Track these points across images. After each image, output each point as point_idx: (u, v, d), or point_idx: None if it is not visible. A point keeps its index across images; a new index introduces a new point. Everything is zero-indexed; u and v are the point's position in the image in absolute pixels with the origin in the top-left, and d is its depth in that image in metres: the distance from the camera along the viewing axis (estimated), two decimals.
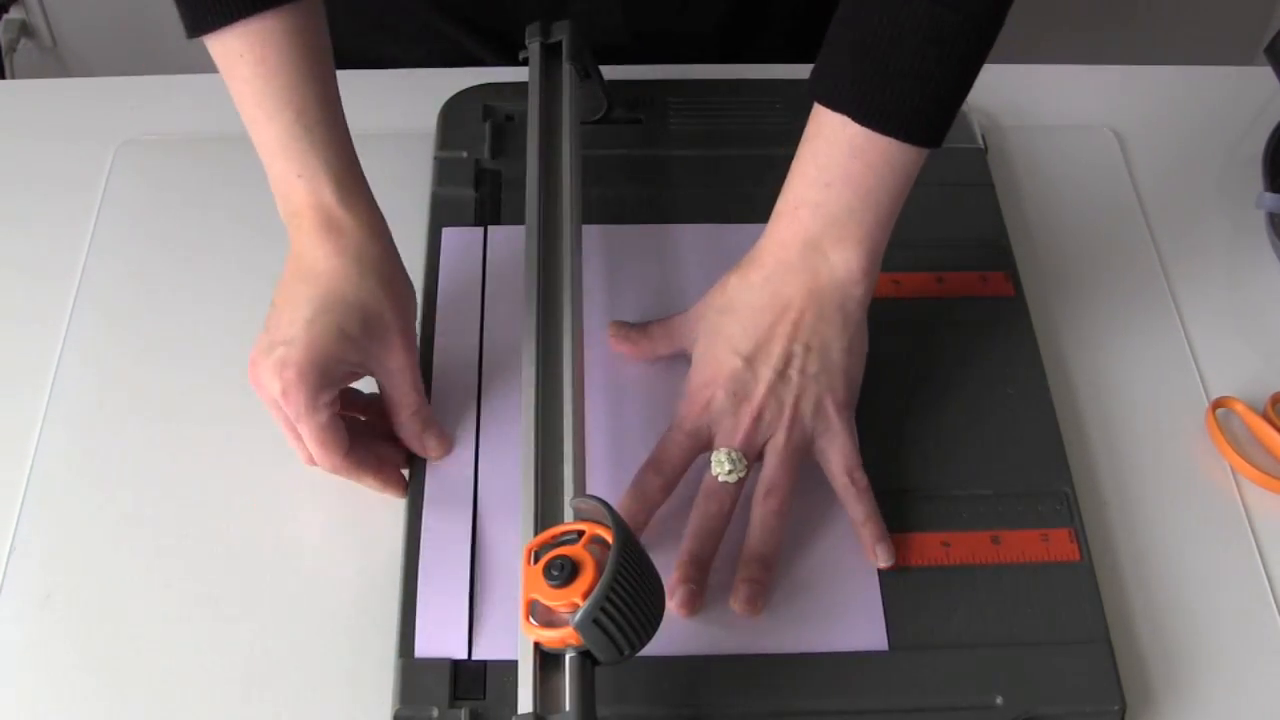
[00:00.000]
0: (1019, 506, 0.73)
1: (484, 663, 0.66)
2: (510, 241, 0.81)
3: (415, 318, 0.74)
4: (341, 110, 0.71)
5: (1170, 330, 0.83)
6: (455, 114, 0.90)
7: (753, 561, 0.68)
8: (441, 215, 0.84)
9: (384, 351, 0.71)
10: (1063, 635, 0.68)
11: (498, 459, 0.73)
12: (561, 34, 0.84)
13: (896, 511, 0.72)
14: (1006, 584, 0.70)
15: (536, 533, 0.64)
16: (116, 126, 0.91)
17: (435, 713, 0.64)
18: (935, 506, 0.73)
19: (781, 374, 0.71)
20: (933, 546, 0.71)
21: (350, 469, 0.71)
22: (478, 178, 0.86)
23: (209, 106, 0.92)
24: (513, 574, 0.67)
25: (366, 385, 0.74)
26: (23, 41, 1.77)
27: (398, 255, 0.73)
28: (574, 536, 0.61)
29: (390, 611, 0.68)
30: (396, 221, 0.85)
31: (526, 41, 0.85)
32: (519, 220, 0.79)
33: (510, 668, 0.62)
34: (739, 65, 0.96)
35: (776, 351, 0.71)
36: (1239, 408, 0.78)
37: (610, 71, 0.90)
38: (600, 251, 0.84)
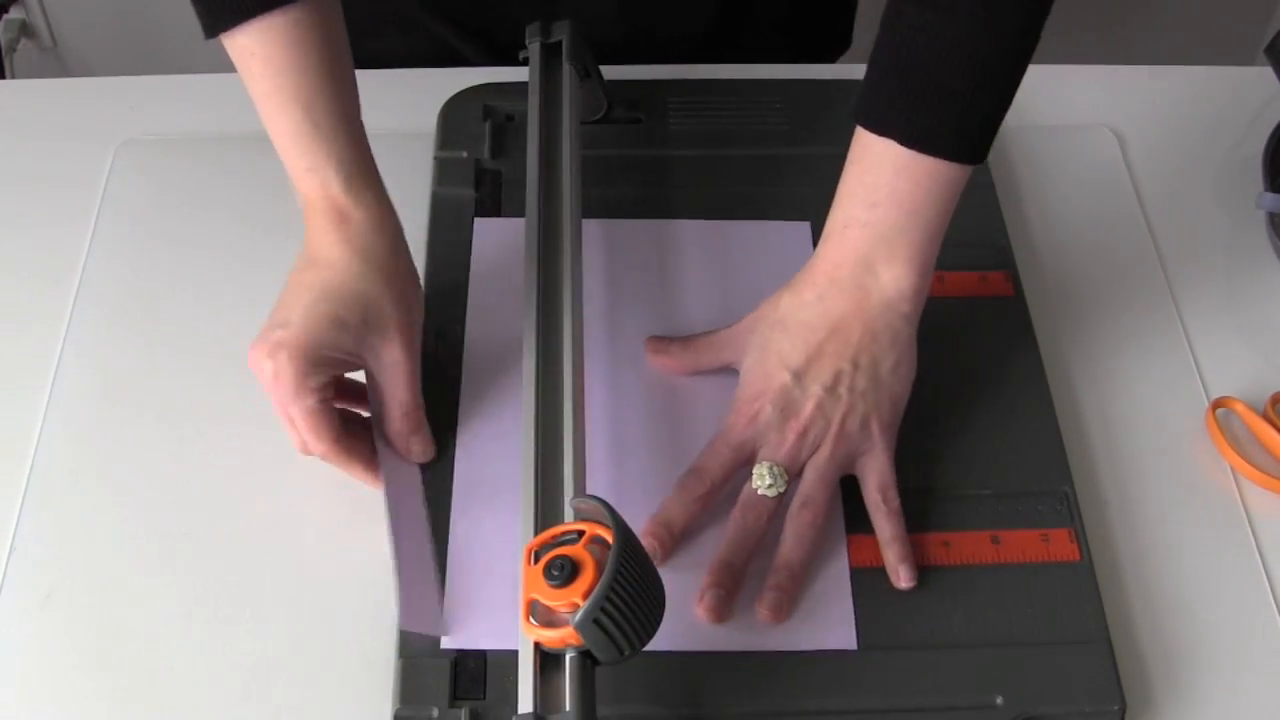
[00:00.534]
0: (1019, 506, 0.73)
1: (484, 662, 0.66)
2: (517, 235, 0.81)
3: (420, 315, 0.74)
4: (356, 105, 0.72)
5: (1170, 330, 0.83)
6: (455, 114, 0.90)
7: (782, 570, 0.69)
8: (442, 215, 0.84)
9: (381, 344, 0.71)
10: (1063, 635, 0.68)
11: (501, 457, 0.73)
12: (561, 34, 0.84)
13: None
14: (1006, 584, 0.70)
15: (536, 533, 0.64)
16: (116, 126, 0.91)
17: (435, 713, 0.64)
18: (935, 506, 0.73)
19: (831, 391, 0.71)
20: (933, 546, 0.71)
21: (339, 456, 0.71)
22: (478, 178, 0.86)
23: (209, 106, 0.92)
24: (512, 570, 0.67)
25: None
26: (23, 41, 1.77)
27: (406, 251, 0.73)
28: (574, 536, 0.61)
29: (390, 611, 0.68)
30: None
31: (526, 41, 0.85)
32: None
33: (510, 667, 0.62)
34: (739, 65, 0.96)
35: (827, 368, 0.72)
36: (1239, 408, 0.78)
37: (610, 71, 0.90)
38: (600, 250, 0.84)
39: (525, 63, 0.85)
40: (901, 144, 0.70)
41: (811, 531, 0.70)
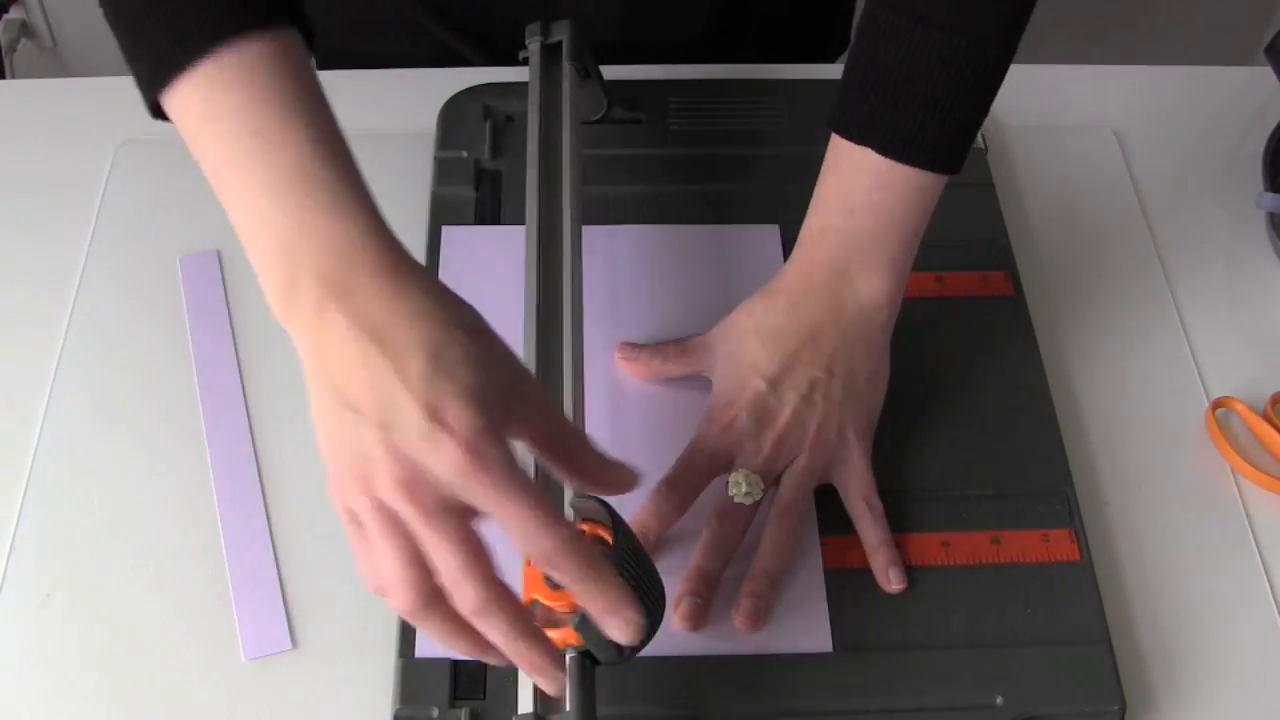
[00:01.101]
0: (1019, 506, 0.73)
1: (484, 663, 0.66)
2: (510, 241, 0.81)
3: None
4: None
5: (1170, 330, 0.83)
6: (455, 114, 0.90)
7: (760, 578, 0.69)
8: (441, 215, 0.84)
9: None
10: (1063, 635, 0.68)
11: None
12: (561, 34, 0.84)
13: (896, 511, 0.72)
14: (1006, 584, 0.70)
15: None
16: (116, 126, 0.91)
17: (435, 713, 0.64)
18: (935, 506, 0.73)
19: (806, 398, 0.71)
20: (932, 547, 0.71)
21: (585, 562, 0.53)
22: (478, 178, 0.86)
23: None
24: (513, 574, 0.67)
25: None
26: (23, 41, 1.77)
27: None
28: None
29: (390, 612, 0.68)
30: (397, 221, 0.85)
31: (526, 41, 0.85)
32: (519, 220, 0.79)
33: (510, 668, 0.62)
34: (739, 65, 0.96)
35: (802, 376, 0.71)
36: (1239, 408, 0.78)
37: (610, 71, 0.91)
38: (600, 252, 0.84)
39: (525, 63, 0.85)
40: (878, 153, 0.70)
41: (790, 539, 0.69)
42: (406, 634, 0.67)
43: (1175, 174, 0.92)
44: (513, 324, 0.75)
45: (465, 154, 0.87)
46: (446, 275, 0.81)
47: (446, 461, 0.50)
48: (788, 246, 0.83)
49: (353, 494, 0.53)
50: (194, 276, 0.83)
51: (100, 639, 0.68)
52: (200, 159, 0.56)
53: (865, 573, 0.70)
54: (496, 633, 0.54)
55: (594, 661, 0.58)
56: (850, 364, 0.72)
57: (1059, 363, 0.81)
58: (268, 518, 0.73)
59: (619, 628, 0.54)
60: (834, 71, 0.95)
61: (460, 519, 0.52)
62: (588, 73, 0.86)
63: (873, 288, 0.72)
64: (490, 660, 0.55)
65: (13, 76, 1.72)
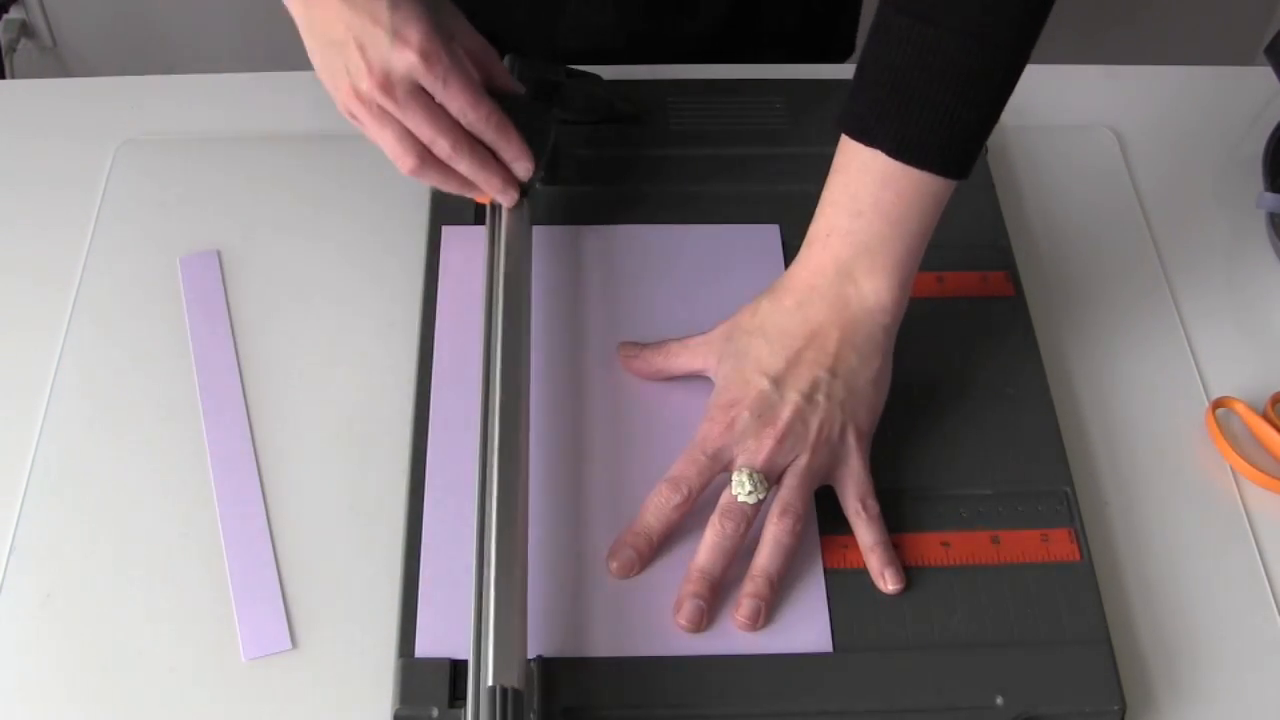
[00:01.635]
0: (1019, 506, 0.73)
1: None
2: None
3: None
4: None
5: (1170, 330, 0.83)
6: None
7: (760, 578, 0.69)
8: (442, 215, 0.84)
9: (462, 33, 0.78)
10: (1063, 635, 0.68)
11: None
12: (512, 68, 0.84)
13: (896, 511, 0.72)
14: (1006, 584, 0.70)
15: (488, 542, 0.66)
16: (116, 126, 0.91)
17: (435, 712, 0.64)
18: (935, 506, 0.73)
19: (809, 398, 0.71)
20: (932, 547, 0.71)
21: (501, 124, 0.76)
22: None
23: (209, 106, 0.92)
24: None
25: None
26: (23, 41, 1.77)
27: None
28: None
29: (390, 612, 0.68)
30: (396, 221, 0.86)
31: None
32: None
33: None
34: (739, 65, 0.96)
35: (805, 376, 0.71)
36: (1239, 408, 0.78)
37: (610, 71, 0.91)
38: (601, 252, 0.84)
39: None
40: (890, 156, 0.70)
41: (791, 539, 0.69)
42: (406, 634, 0.67)
43: (1175, 174, 0.92)
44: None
45: None
46: (447, 275, 0.81)
47: (406, 61, 0.73)
48: (787, 246, 0.83)
49: (348, 101, 0.75)
50: (194, 276, 0.83)
51: (100, 639, 0.68)
52: None
53: (866, 573, 0.70)
54: (467, 167, 0.77)
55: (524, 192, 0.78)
56: (853, 364, 0.72)
57: (1059, 363, 0.81)
58: (268, 518, 0.73)
59: (522, 168, 0.79)
60: (834, 71, 0.95)
61: (425, 99, 0.74)
62: (556, 85, 0.87)
63: (878, 290, 0.72)
64: (472, 194, 0.80)
65: (13, 76, 1.72)
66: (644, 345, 0.77)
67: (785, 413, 0.71)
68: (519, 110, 0.78)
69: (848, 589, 0.69)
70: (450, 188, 0.78)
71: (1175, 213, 0.90)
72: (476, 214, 0.84)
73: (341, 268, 0.83)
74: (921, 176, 0.70)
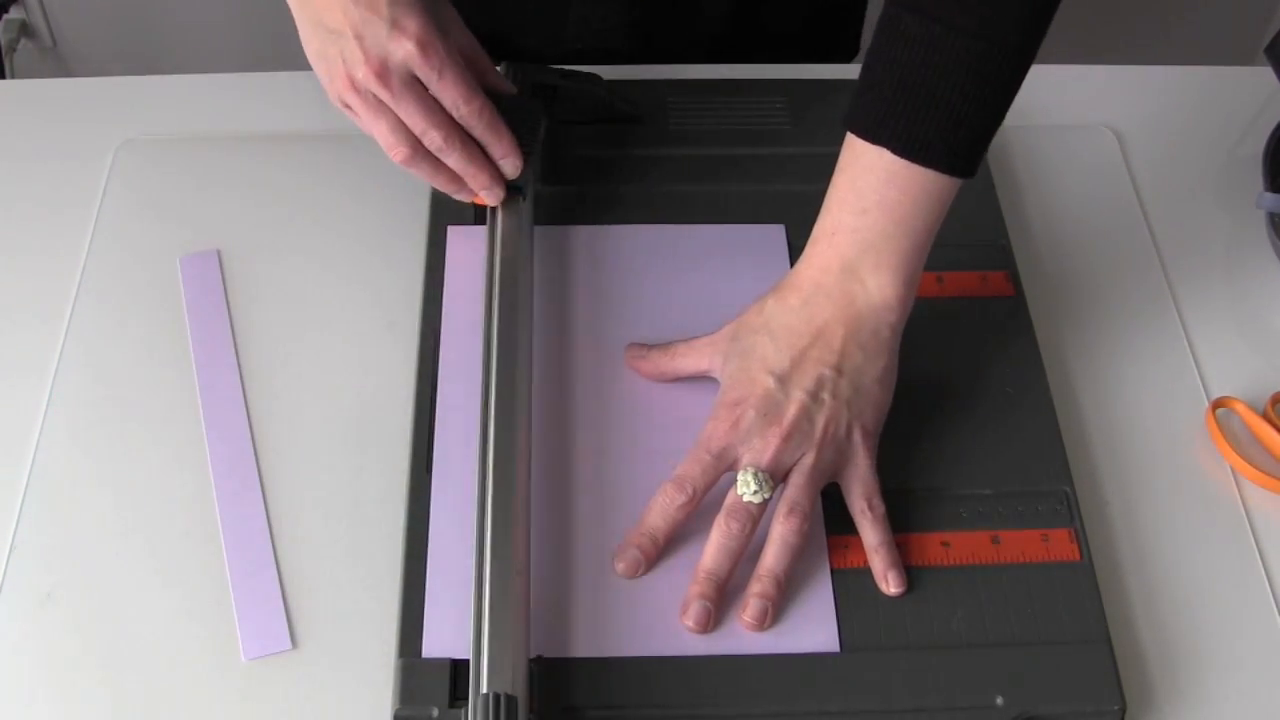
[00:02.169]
0: (1019, 506, 0.73)
1: None
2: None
3: None
4: None
5: (1170, 330, 0.83)
6: None
7: (766, 578, 0.68)
8: (442, 216, 0.84)
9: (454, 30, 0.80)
10: (1063, 635, 0.68)
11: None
12: (508, 74, 0.85)
13: (896, 511, 0.72)
14: (1006, 584, 0.70)
15: (488, 544, 0.66)
16: (116, 126, 0.91)
17: (435, 713, 0.64)
18: (935, 506, 0.73)
19: (814, 396, 0.71)
20: (932, 547, 0.71)
21: (492, 120, 0.77)
22: None
23: (209, 106, 0.92)
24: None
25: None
26: (23, 41, 1.77)
27: None
28: None
29: (390, 612, 0.68)
30: (396, 221, 0.86)
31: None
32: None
33: None
34: (739, 65, 0.96)
35: (810, 374, 0.71)
36: (1239, 408, 0.78)
37: (610, 71, 0.91)
38: (605, 253, 0.84)
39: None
40: (895, 154, 0.70)
41: (797, 539, 0.69)
42: (407, 634, 0.67)
43: (1175, 174, 0.92)
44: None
45: None
46: (451, 275, 0.81)
47: (404, 50, 0.73)
48: (793, 246, 0.83)
49: (343, 89, 0.75)
50: (194, 276, 0.83)
51: (100, 639, 0.68)
52: None
53: (869, 572, 0.70)
54: (456, 160, 0.77)
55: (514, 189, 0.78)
56: (859, 362, 0.72)
57: (1059, 363, 0.81)
58: (268, 518, 0.73)
59: (511, 165, 0.79)
60: (834, 71, 0.95)
61: (420, 90, 0.75)
62: (553, 89, 0.87)
63: (883, 288, 0.72)
64: (460, 194, 0.80)
65: (13, 76, 1.72)
66: (651, 346, 0.77)
67: (791, 411, 0.71)
68: (511, 109, 0.79)
69: (853, 589, 0.69)
70: (439, 183, 0.79)
71: (1175, 213, 0.90)
72: (476, 215, 0.84)
73: (341, 267, 0.83)
74: (926, 175, 0.70)
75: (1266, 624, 0.71)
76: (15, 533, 0.72)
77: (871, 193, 0.71)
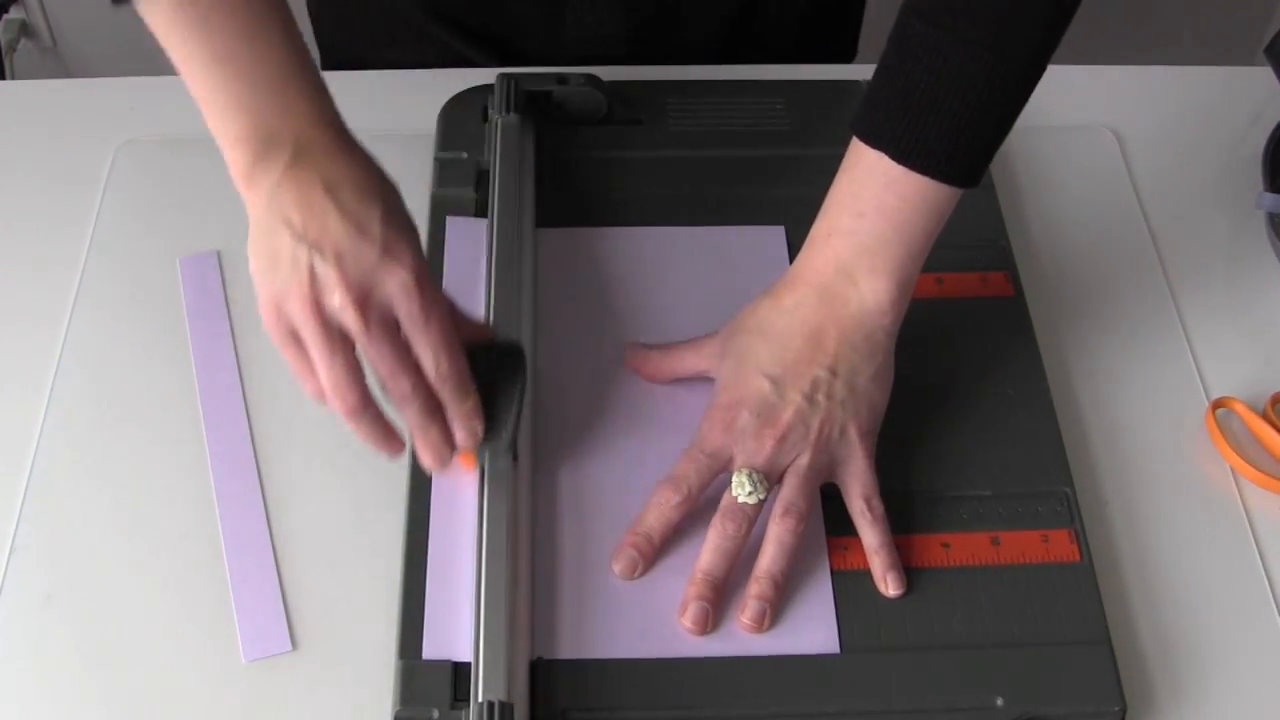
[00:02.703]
0: (1019, 507, 0.73)
1: None
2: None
3: None
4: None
5: (1170, 330, 0.83)
6: (455, 115, 0.90)
7: (764, 579, 0.69)
8: (442, 215, 0.84)
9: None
10: (1063, 635, 0.68)
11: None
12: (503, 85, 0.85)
13: (896, 513, 0.72)
14: (1007, 585, 0.70)
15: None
16: (116, 126, 0.91)
17: (436, 714, 0.64)
18: (935, 508, 0.73)
19: (809, 398, 0.71)
20: (932, 548, 0.71)
21: (464, 381, 0.67)
22: (478, 178, 0.86)
23: None
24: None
25: None
26: (23, 41, 1.78)
27: None
28: None
29: (390, 612, 0.68)
30: None
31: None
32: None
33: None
34: (739, 65, 0.96)
35: (805, 376, 0.71)
36: (1239, 408, 0.78)
37: (610, 72, 0.91)
38: (605, 254, 0.84)
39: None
40: (895, 159, 0.70)
41: (793, 539, 0.69)
42: (407, 635, 0.67)
43: (1175, 174, 0.92)
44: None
45: (465, 155, 0.87)
46: (451, 266, 0.81)
47: (396, 282, 0.64)
48: (793, 248, 0.83)
49: (297, 312, 0.63)
50: (194, 277, 0.83)
51: (100, 639, 0.68)
52: (174, 47, 0.66)
53: (869, 573, 0.70)
54: (414, 414, 0.66)
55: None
56: (854, 363, 0.72)
57: (1059, 363, 0.81)
58: (268, 518, 0.73)
59: (471, 430, 0.68)
60: (835, 72, 0.95)
61: (394, 331, 0.65)
62: (547, 95, 0.87)
63: (876, 292, 0.72)
64: (387, 449, 0.68)
65: (13, 77, 1.72)
66: (650, 347, 0.77)
67: (786, 413, 0.71)
68: (487, 366, 0.69)
69: (853, 590, 0.69)
70: (375, 441, 0.67)
71: (1175, 213, 0.90)
72: (477, 209, 0.84)
73: None
74: (925, 182, 0.70)
75: (1266, 624, 0.71)
76: (15, 533, 0.72)
77: (870, 197, 0.71)
